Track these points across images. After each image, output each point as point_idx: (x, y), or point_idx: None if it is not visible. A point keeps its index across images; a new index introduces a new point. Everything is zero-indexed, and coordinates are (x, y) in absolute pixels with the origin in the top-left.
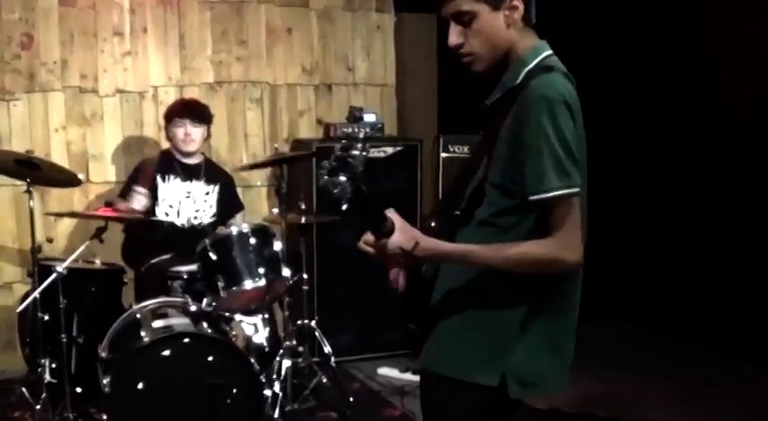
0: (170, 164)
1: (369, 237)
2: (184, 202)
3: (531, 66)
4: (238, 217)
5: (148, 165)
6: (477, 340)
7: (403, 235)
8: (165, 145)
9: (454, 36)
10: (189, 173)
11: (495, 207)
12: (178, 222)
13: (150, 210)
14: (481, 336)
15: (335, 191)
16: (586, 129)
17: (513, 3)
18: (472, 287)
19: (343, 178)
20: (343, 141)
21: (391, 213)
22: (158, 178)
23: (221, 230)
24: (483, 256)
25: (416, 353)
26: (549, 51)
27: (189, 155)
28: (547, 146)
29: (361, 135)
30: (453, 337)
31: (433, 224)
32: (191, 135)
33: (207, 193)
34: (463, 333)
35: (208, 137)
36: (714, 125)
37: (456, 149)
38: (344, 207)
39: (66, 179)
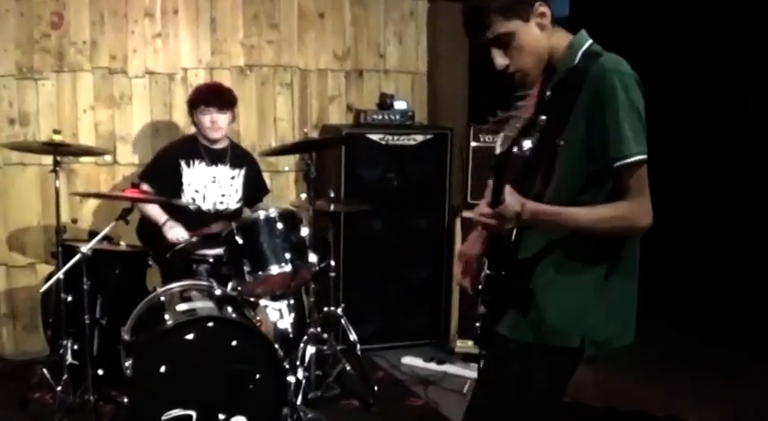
0: (195, 149)
1: (484, 208)
2: (210, 187)
3: (584, 47)
4: (265, 200)
5: (165, 158)
6: (559, 307)
7: (514, 198)
8: (193, 127)
9: (499, 59)
10: (214, 157)
11: (573, 186)
12: (204, 207)
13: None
14: (564, 303)
15: (499, 143)
16: None
17: (540, 9)
18: (555, 255)
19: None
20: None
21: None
22: (182, 164)
23: (248, 214)
24: (575, 215)
25: (482, 339)
26: (591, 39)
27: (216, 140)
28: (625, 114)
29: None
30: (536, 305)
31: None
32: (217, 122)
33: (233, 178)
34: (546, 300)
35: (233, 120)
36: (743, 123)
37: (487, 139)
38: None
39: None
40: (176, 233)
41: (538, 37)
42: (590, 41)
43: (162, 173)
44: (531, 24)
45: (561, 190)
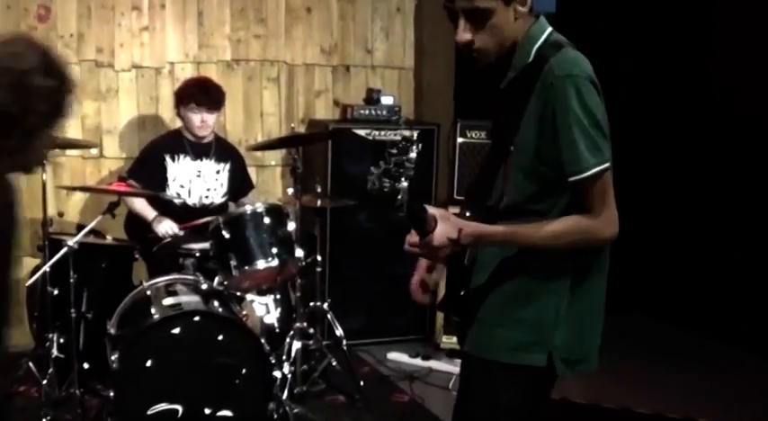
0: (180, 143)
1: (413, 238)
2: (195, 181)
3: (539, 42)
4: (250, 195)
5: (150, 156)
6: (521, 323)
7: (447, 225)
8: (179, 121)
9: (465, 33)
10: (199, 151)
11: (526, 193)
12: (189, 201)
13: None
14: (525, 319)
15: (399, 197)
16: (616, 122)
17: None
18: (512, 270)
19: (404, 184)
20: (399, 140)
21: (430, 208)
22: (167, 158)
23: (235, 209)
24: (525, 234)
25: (459, 344)
26: (550, 27)
27: (202, 137)
28: (578, 126)
29: (407, 133)
30: (498, 322)
31: (467, 214)
32: (207, 122)
33: (217, 172)
34: (507, 317)
35: (220, 115)
36: (738, 120)
37: (473, 135)
38: (402, 212)
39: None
40: (166, 226)
41: (510, 23)
42: (547, 33)
43: (148, 169)
44: (510, 9)
45: (515, 197)
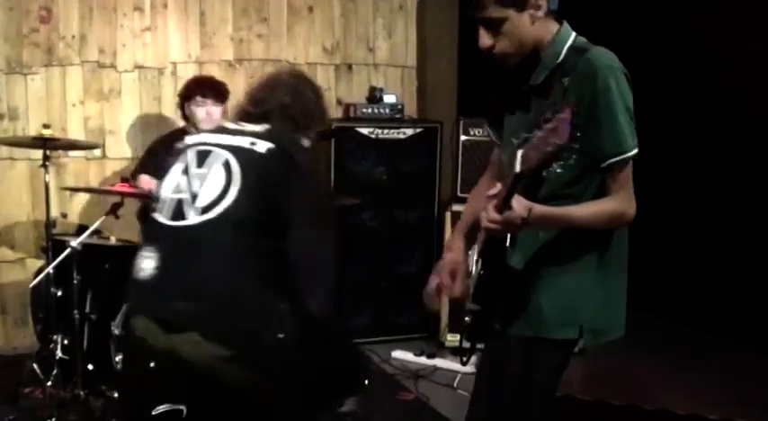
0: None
1: (493, 214)
2: None
3: (569, 43)
4: None
5: (159, 151)
6: (555, 299)
7: (519, 203)
8: (182, 122)
9: (485, 39)
10: None
11: (562, 180)
12: None
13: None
14: (558, 296)
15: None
16: None
17: (537, 2)
18: (546, 252)
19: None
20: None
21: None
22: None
23: None
24: (574, 215)
25: (475, 334)
26: (574, 32)
27: None
28: (621, 112)
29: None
30: (534, 300)
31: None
32: (212, 114)
33: None
34: (542, 295)
35: (224, 114)
36: (750, 118)
37: (476, 133)
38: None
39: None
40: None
41: (527, 27)
42: (574, 35)
43: (158, 160)
44: (525, 14)
45: (553, 184)
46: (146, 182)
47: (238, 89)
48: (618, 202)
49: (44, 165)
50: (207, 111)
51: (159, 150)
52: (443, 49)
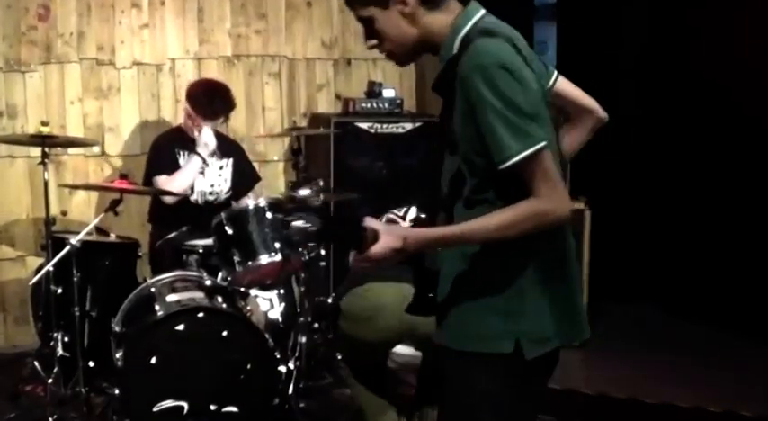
0: (182, 139)
1: (356, 256)
2: (198, 178)
3: (464, 31)
4: (256, 188)
5: (164, 148)
6: (487, 312)
7: (388, 236)
8: (182, 117)
9: (368, 40)
10: None
11: (471, 183)
12: (192, 198)
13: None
14: (490, 307)
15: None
16: (619, 114)
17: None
18: (472, 264)
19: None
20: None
21: (369, 222)
22: (178, 151)
23: (237, 204)
24: (473, 231)
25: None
26: (482, 11)
27: None
28: (495, 114)
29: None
30: (465, 314)
31: (441, 214)
32: (199, 127)
33: (221, 168)
34: (473, 308)
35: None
36: (750, 111)
37: None
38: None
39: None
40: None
41: (399, 24)
42: (473, 21)
43: (167, 159)
44: (392, 11)
45: (466, 190)
46: (163, 181)
47: (237, 85)
48: (539, 202)
49: (43, 163)
50: (195, 123)
51: (162, 148)
52: None
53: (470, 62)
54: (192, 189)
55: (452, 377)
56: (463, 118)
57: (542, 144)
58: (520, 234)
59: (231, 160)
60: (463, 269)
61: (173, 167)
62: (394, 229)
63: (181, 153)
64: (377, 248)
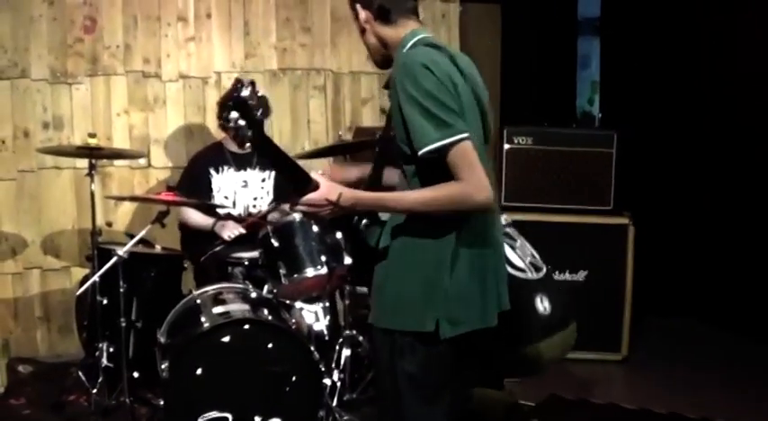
0: (222, 155)
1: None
2: (240, 192)
3: (410, 44)
4: None
5: (198, 167)
6: (405, 291)
7: (328, 188)
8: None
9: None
10: (241, 162)
11: (406, 168)
12: (234, 212)
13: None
14: (408, 287)
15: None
16: (660, 129)
17: (361, 14)
18: (395, 242)
19: (242, 122)
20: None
21: (318, 176)
22: (212, 171)
23: (284, 216)
24: (395, 199)
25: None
26: (423, 34)
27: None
28: (417, 107)
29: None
30: (391, 292)
31: None
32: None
33: (263, 180)
34: (399, 287)
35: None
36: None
37: (520, 140)
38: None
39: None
40: (231, 228)
41: (368, 34)
42: (416, 38)
43: (194, 183)
44: (359, 23)
45: (402, 176)
46: (186, 214)
47: (282, 98)
48: (459, 185)
49: (89, 174)
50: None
51: (194, 167)
52: (485, 56)
53: (397, 65)
54: (234, 204)
55: (379, 353)
56: (396, 112)
57: (460, 136)
58: (440, 211)
59: (273, 172)
60: (394, 252)
61: (201, 187)
62: (333, 184)
63: (216, 171)
64: (314, 194)
